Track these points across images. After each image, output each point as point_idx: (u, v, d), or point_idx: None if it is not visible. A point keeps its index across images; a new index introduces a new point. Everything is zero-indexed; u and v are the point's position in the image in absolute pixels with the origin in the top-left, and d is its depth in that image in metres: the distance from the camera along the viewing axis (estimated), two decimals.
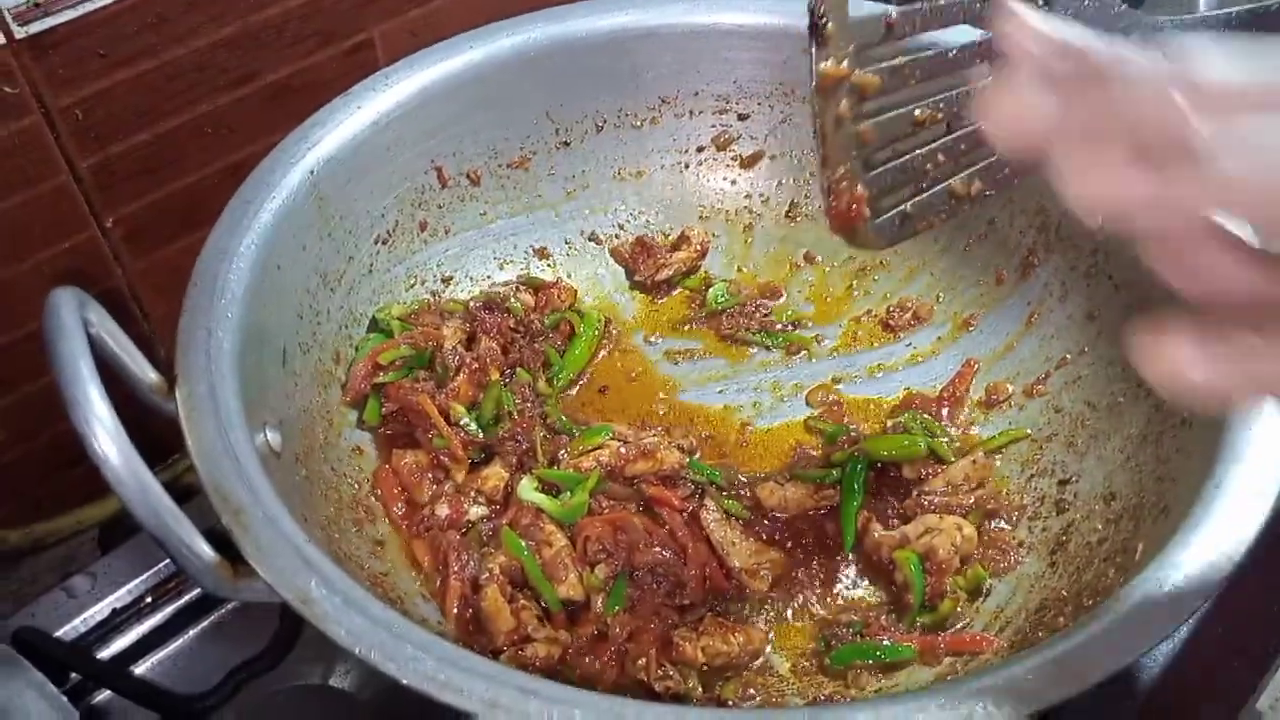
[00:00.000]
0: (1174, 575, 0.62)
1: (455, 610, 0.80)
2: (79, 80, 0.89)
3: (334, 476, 0.84)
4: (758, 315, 1.03)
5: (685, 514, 0.86)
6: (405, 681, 0.58)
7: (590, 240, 1.07)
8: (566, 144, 1.04)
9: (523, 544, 0.82)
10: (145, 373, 0.71)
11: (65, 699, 0.68)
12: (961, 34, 0.61)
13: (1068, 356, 0.92)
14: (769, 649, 0.81)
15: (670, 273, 1.05)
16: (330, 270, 0.90)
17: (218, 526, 0.64)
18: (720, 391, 0.99)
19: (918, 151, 0.61)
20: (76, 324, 0.65)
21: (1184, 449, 0.75)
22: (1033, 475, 0.89)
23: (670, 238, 1.08)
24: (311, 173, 0.86)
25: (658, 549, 0.82)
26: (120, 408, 0.63)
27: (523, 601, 0.80)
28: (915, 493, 0.88)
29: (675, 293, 1.06)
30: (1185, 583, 0.61)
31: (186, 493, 0.73)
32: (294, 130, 0.88)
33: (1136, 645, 0.59)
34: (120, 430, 0.61)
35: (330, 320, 0.90)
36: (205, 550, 0.63)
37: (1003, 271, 0.98)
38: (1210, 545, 0.63)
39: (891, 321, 1.02)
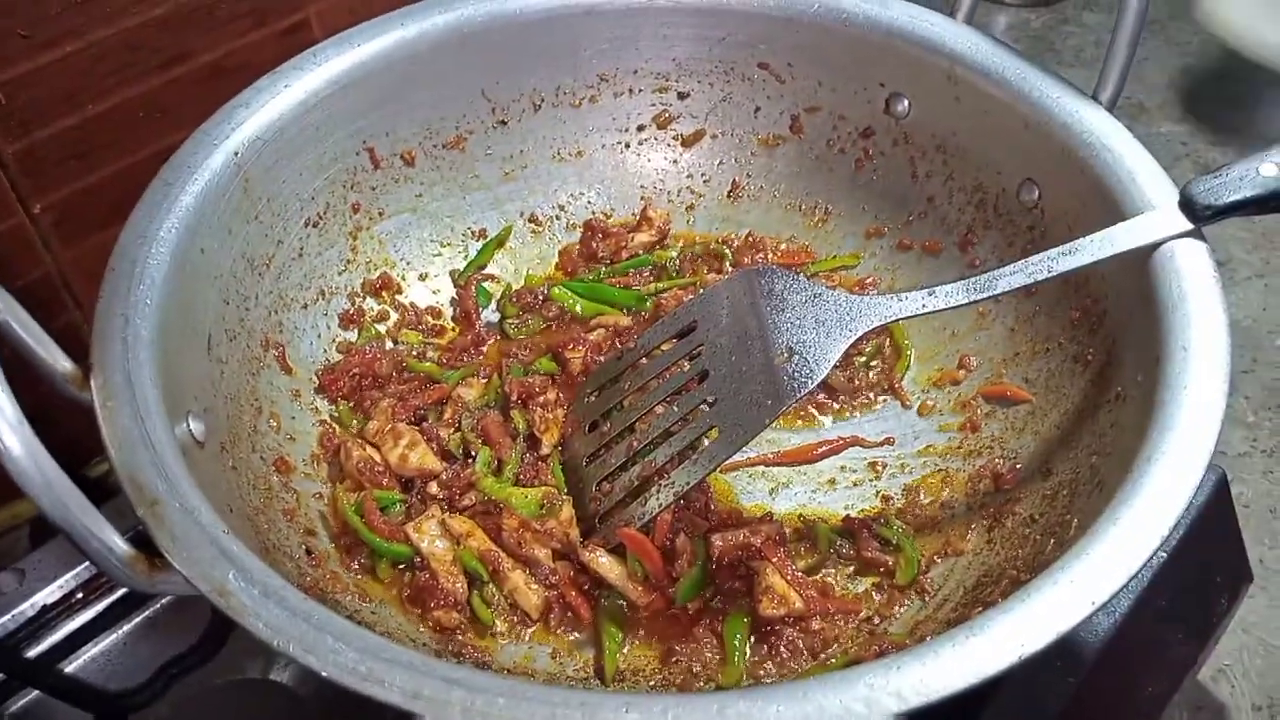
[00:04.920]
0: (1105, 549, 0.61)
1: None
2: (0, 63, 0.87)
3: (263, 466, 0.82)
4: None
5: None
6: (325, 674, 0.57)
7: (530, 221, 1.05)
8: (504, 123, 1.02)
9: None
10: (58, 361, 0.69)
11: None
12: None
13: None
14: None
15: (628, 255, 1.03)
16: (258, 254, 0.88)
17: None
18: None
19: None
20: None
21: (1119, 423, 0.75)
22: (971, 453, 0.88)
23: (616, 218, 1.06)
24: (236, 154, 0.84)
25: None
26: (44, 401, 0.61)
27: None
28: None
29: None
30: (1116, 555, 0.61)
31: (116, 489, 0.71)
32: (217, 111, 0.85)
33: (1066, 619, 0.58)
34: (21, 420, 0.58)
35: (259, 305, 0.88)
36: (117, 543, 0.61)
37: (941, 248, 0.97)
38: (1141, 518, 0.62)
39: None
